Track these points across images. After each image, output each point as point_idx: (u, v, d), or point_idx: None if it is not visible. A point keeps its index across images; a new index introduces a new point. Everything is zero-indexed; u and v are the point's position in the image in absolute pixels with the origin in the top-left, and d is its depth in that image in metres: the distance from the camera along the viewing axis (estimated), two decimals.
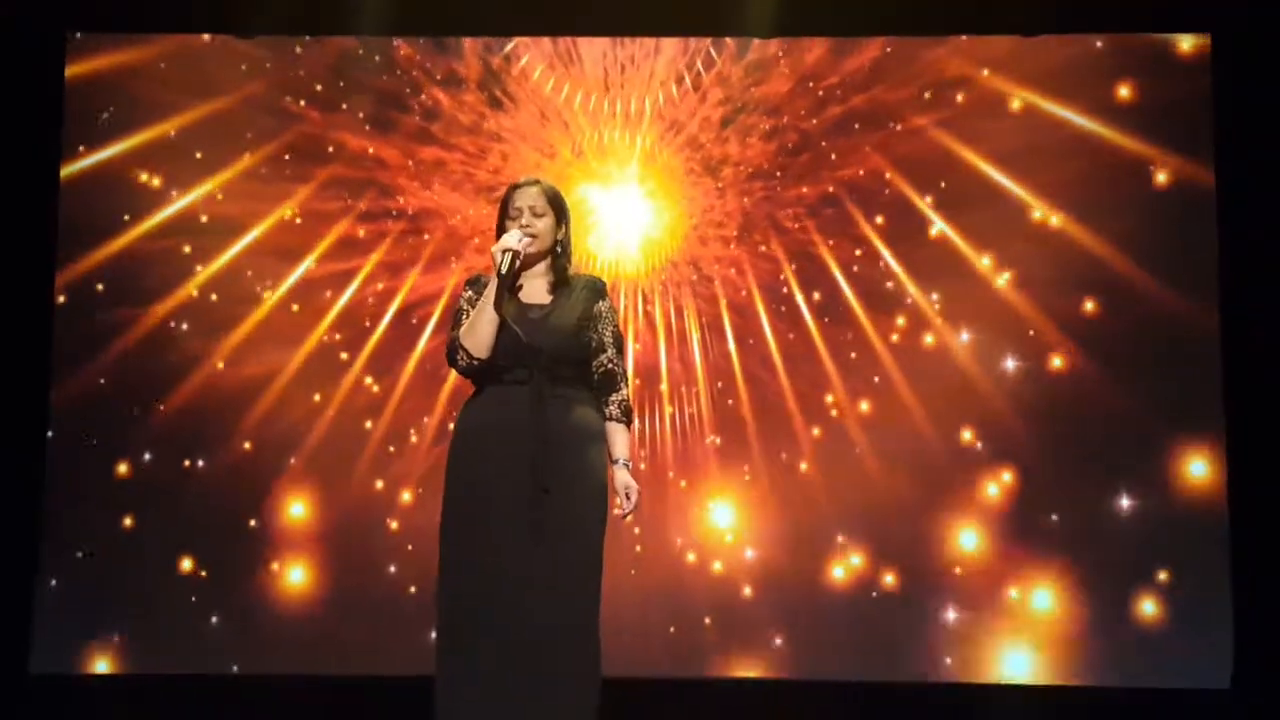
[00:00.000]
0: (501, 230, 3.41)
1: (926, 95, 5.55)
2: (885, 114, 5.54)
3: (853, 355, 5.49)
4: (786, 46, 5.61)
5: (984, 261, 5.48)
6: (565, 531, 3.23)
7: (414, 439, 5.65)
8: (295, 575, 5.59)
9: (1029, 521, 5.34)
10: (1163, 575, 5.25)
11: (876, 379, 5.47)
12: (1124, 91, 5.45)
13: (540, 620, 3.18)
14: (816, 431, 5.49)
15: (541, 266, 3.42)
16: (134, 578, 5.55)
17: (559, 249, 3.42)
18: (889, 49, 5.56)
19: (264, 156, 5.87)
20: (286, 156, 5.87)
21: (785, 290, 5.59)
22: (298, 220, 5.83)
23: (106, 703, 5.47)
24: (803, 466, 5.46)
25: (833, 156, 5.58)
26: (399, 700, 4.65)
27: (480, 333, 3.27)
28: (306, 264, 5.81)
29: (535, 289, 3.41)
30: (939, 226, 5.50)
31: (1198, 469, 5.26)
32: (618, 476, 3.35)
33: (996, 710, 5.20)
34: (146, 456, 5.63)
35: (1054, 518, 5.31)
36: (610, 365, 3.39)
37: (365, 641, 5.41)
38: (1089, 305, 5.39)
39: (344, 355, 5.76)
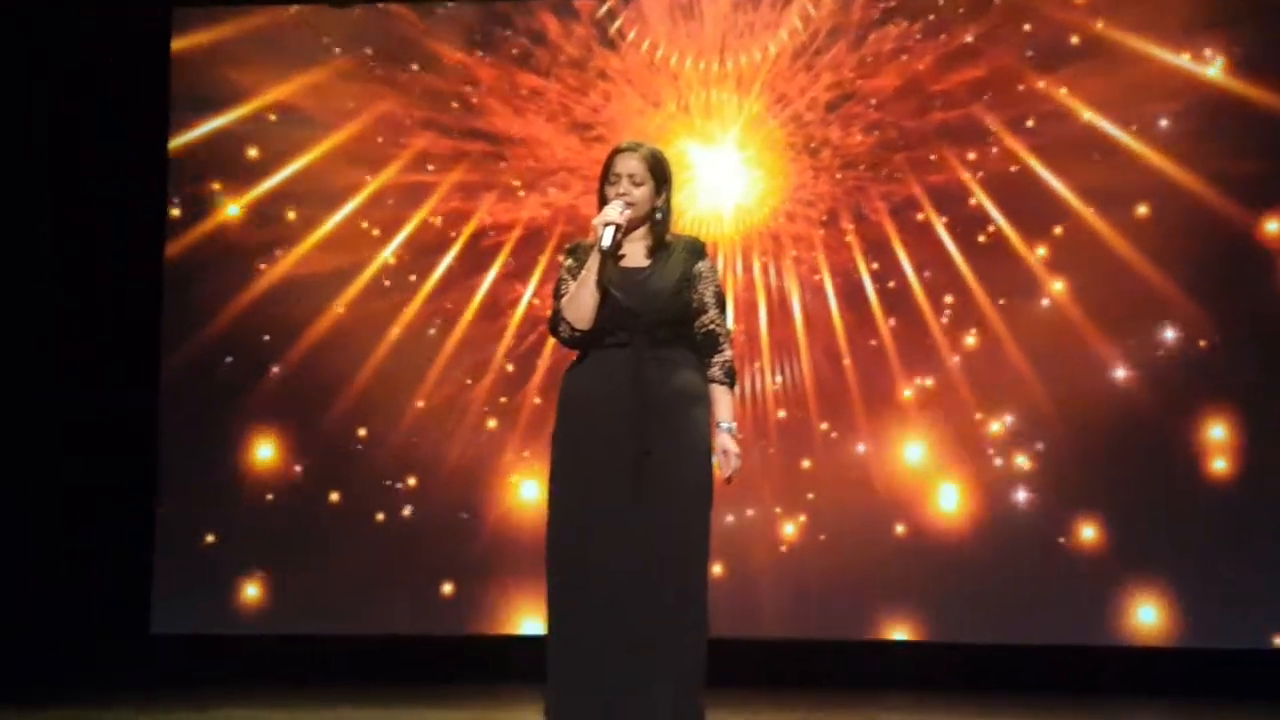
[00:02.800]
0: (602, 193, 3.41)
1: (1029, 123, 5.62)
2: (983, 132, 5.62)
3: (911, 352, 5.59)
4: (901, 46, 5.67)
5: (1056, 286, 5.58)
6: (668, 493, 3.22)
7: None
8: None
9: None
10: None
11: (928, 381, 5.57)
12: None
13: (644, 582, 3.18)
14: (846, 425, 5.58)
15: (640, 231, 3.38)
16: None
17: (658, 214, 3.37)
18: (997, 70, 5.63)
19: (353, 62, 5.94)
20: (370, 54, 5.92)
21: (857, 279, 5.66)
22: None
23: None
24: (860, 448, 5.56)
25: (931, 158, 5.66)
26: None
27: (582, 304, 3.27)
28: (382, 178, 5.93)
29: (634, 253, 3.36)
30: (1015, 244, 5.58)
31: None
32: (719, 440, 3.34)
33: None
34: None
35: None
36: (712, 326, 3.36)
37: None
38: (1157, 340, 5.52)
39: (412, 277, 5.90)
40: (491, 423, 5.81)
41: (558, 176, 5.89)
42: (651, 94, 5.83)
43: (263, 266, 5.96)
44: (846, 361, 5.63)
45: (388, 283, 5.92)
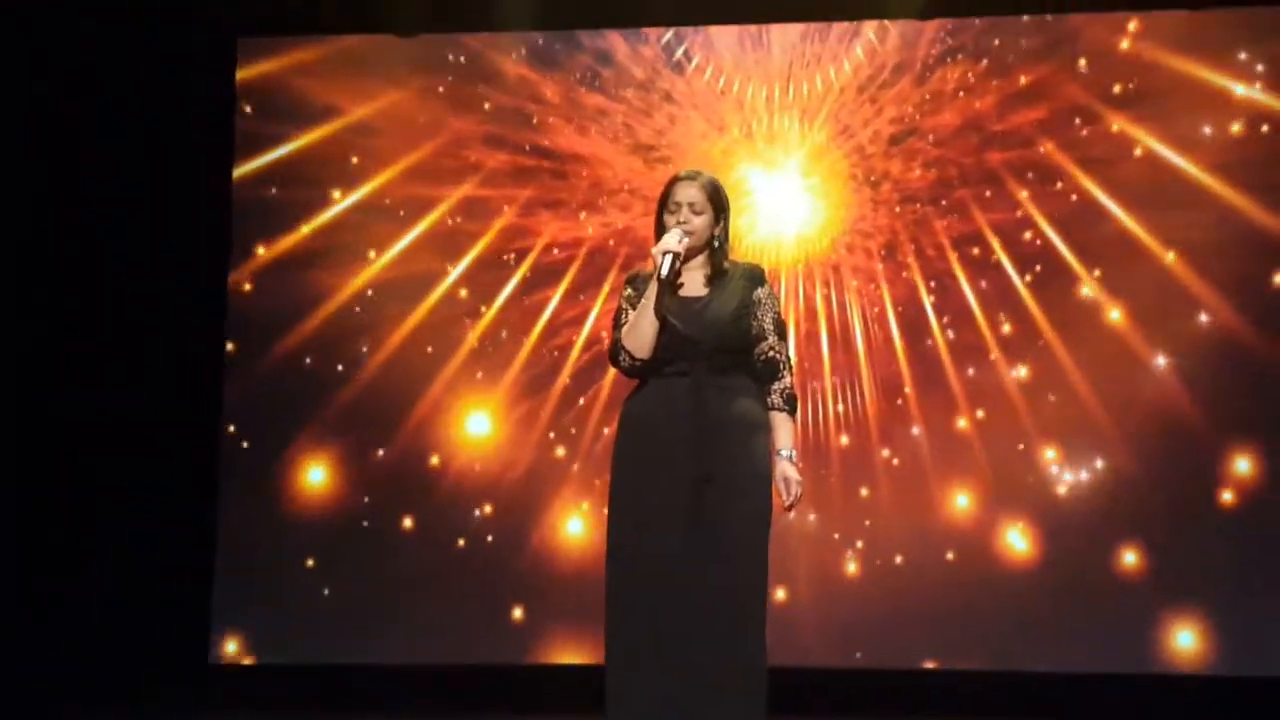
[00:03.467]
0: (660, 220, 3.44)
1: (1088, 157, 5.69)
2: (1046, 171, 5.68)
3: (971, 383, 5.62)
4: (963, 84, 5.74)
5: (1112, 314, 5.59)
6: (728, 520, 3.23)
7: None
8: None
9: None
10: None
11: (981, 413, 5.60)
12: None
13: (703, 610, 3.19)
14: (896, 461, 5.61)
15: (699, 260, 3.40)
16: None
17: (716, 243, 3.41)
18: (1059, 107, 5.69)
19: (420, 86, 6.02)
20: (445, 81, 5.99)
21: (915, 310, 5.70)
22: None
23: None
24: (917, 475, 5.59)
25: (987, 194, 5.72)
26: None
27: (642, 334, 3.30)
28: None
29: (693, 281, 3.39)
30: (1070, 275, 5.62)
31: None
32: (778, 468, 3.34)
33: None
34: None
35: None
36: (772, 353, 3.38)
37: None
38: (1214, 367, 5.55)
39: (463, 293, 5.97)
40: (560, 450, 5.83)
41: (619, 197, 5.92)
42: (716, 119, 5.88)
43: (327, 285, 5.99)
44: (908, 390, 5.67)
45: (449, 304, 5.97)
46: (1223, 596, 5.34)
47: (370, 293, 5.96)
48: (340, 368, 5.93)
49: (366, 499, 5.86)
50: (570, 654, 5.62)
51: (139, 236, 5.97)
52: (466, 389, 5.90)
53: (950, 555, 5.54)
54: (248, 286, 6.01)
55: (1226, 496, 5.42)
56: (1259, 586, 5.32)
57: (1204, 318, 5.52)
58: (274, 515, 5.86)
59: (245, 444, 5.91)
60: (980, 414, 5.60)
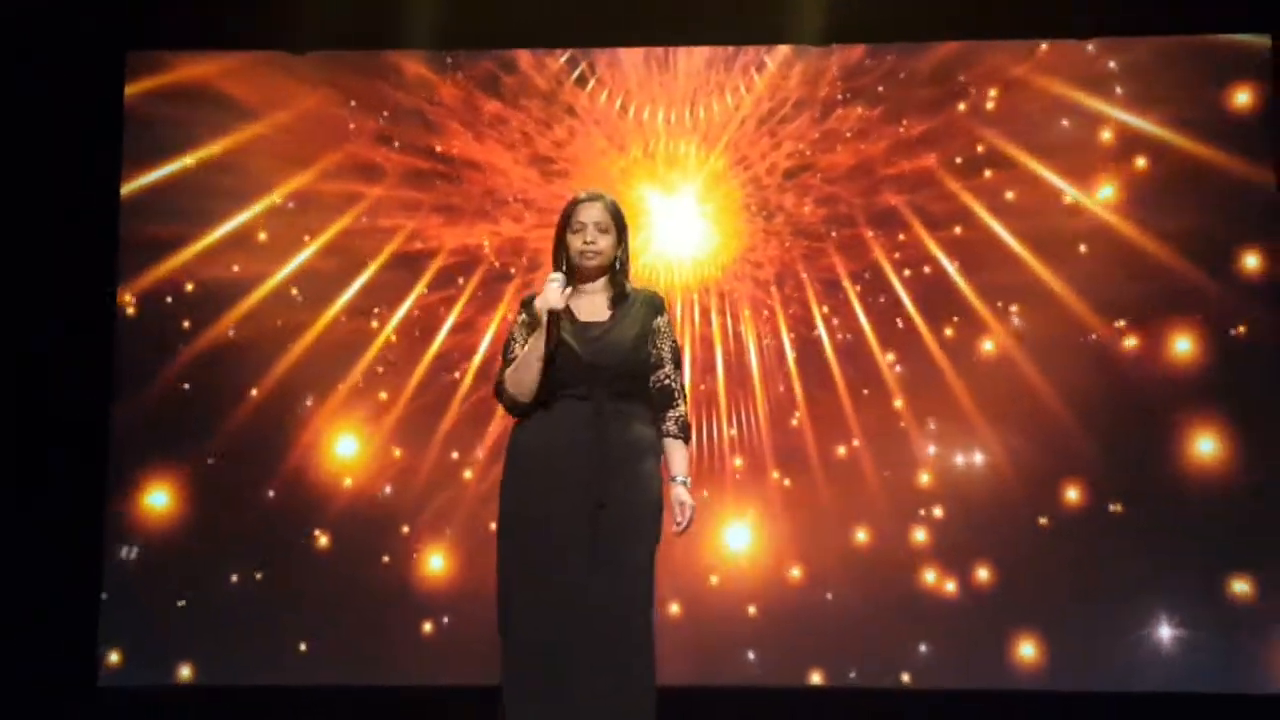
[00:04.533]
0: (561, 240, 3.48)
1: (957, 229, 5.76)
2: (938, 217, 5.80)
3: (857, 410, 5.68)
4: (860, 125, 5.84)
5: (986, 346, 5.65)
6: (621, 546, 3.25)
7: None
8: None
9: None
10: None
11: (854, 442, 5.67)
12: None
13: (597, 635, 3.20)
14: (787, 481, 5.64)
15: (600, 283, 3.44)
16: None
17: (618, 265, 3.46)
18: (951, 151, 5.80)
19: (315, 85, 5.89)
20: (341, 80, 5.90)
21: (797, 340, 5.75)
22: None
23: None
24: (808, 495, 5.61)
25: (870, 235, 5.81)
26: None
27: (525, 381, 3.33)
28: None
29: (594, 305, 3.43)
30: (972, 321, 5.71)
31: None
32: (674, 493, 3.39)
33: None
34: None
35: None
36: (667, 380, 3.42)
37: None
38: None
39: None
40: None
41: (512, 208, 5.84)
42: (617, 137, 5.86)
43: (220, 301, 5.81)
44: (799, 415, 5.70)
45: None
46: (1058, 611, 5.46)
47: (265, 307, 5.79)
48: (232, 387, 5.75)
49: (260, 520, 5.68)
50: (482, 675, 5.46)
51: (21, 254, 5.67)
52: (361, 404, 5.76)
53: (840, 575, 5.57)
54: (133, 308, 5.78)
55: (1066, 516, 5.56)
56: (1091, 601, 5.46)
57: (1105, 348, 5.59)
58: (156, 544, 5.67)
59: (133, 464, 5.70)
60: (864, 440, 5.64)
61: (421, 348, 5.77)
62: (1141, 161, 5.66)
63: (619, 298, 3.43)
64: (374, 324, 5.78)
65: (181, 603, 5.61)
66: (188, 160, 5.83)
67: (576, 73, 5.87)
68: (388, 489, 5.69)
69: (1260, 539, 5.41)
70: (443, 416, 5.74)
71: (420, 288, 5.81)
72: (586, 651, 3.18)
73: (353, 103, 5.86)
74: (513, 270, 5.80)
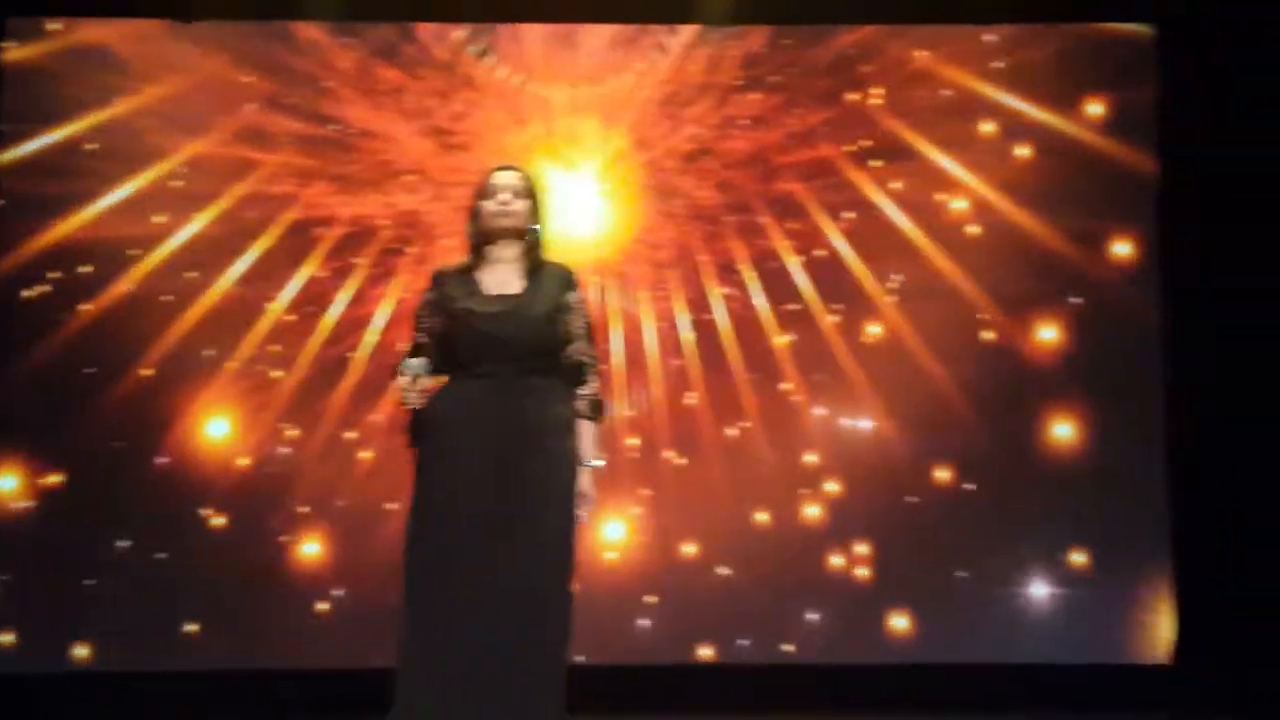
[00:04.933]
0: (476, 208, 3.47)
1: (847, 214, 5.87)
2: (832, 204, 5.87)
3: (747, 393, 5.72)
4: (758, 113, 5.88)
5: (871, 330, 5.73)
6: (533, 525, 3.22)
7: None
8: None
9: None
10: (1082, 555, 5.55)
11: (746, 422, 5.70)
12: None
13: (506, 616, 3.14)
14: (683, 460, 5.66)
15: (513, 252, 3.41)
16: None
17: (532, 236, 3.44)
18: (849, 148, 5.87)
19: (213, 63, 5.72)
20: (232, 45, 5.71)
21: (684, 325, 5.76)
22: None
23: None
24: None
25: (766, 220, 5.83)
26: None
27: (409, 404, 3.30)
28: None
29: (505, 276, 3.39)
30: (821, 321, 5.81)
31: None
32: (579, 478, 3.34)
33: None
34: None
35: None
36: (580, 356, 3.38)
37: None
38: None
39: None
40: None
41: (407, 179, 5.74)
42: (518, 112, 5.79)
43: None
44: (694, 396, 5.70)
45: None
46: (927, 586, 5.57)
47: (153, 278, 5.61)
48: (119, 361, 5.55)
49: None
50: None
51: None
52: (251, 379, 5.61)
53: (731, 553, 5.59)
54: (15, 278, 5.56)
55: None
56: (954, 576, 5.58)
57: (987, 335, 5.69)
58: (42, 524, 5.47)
59: (18, 440, 5.49)
60: (756, 420, 5.67)
61: (313, 322, 5.64)
62: (1028, 150, 5.77)
63: (531, 271, 3.38)
64: (264, 296, 5.63)
65: (77, 581, 5.42)
66: (72, 128, 5.63)
67: (476, 45, 5.79)
68: (279, 466, 5.55)
69: (1099, 516, 5.59)
70: (334, 393, 5.62)
71: (312, 260, 5.67)
72: (491, 632, 3.11)
73: (244, 67, 5.70)
74: (407, 243, 5.71)
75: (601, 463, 3.39)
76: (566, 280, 3.43)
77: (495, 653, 3.12)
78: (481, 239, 3.40)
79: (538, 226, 3.45)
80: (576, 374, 3.36)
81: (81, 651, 5.41)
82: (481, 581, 3.14)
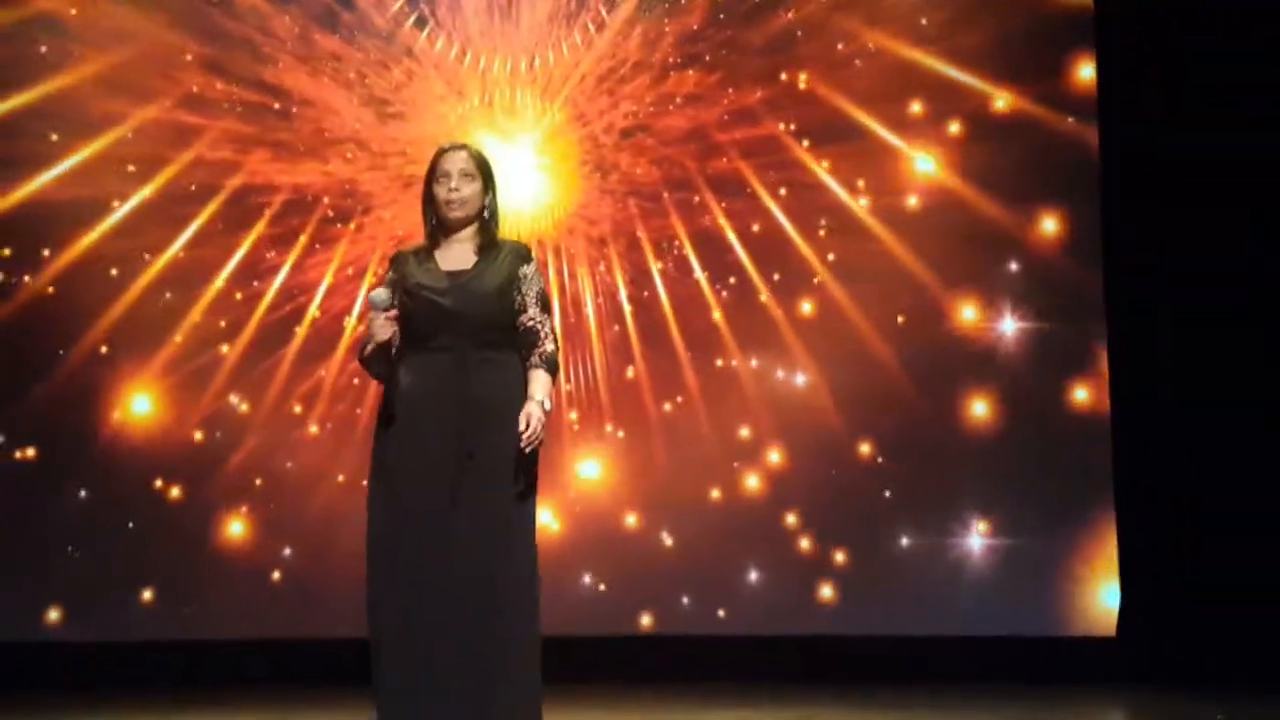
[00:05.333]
0: (429, 191, 3.44)
1: (783, 190, 5.92)
2: (769, 180, 5.92)
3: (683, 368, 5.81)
4: (694, 91, 5.94)
5: (804, 308, 5.82)
6: (491, 497, 3.24)
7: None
8: None
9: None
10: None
11: (679, 398, 5.80)
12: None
13: (469, 585, 3.18)
14: (621, 434, 5.75)
15: (468, 231, 3.40)
16: None
17: (486, 213, 3.42)
18: (785, 125, 5.94)
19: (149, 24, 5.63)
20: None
21: (623, 300, 5.83)
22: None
23: None
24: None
25: (696, 200, 5.88)
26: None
27: (374, 374, 3.35)
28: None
29: (461, 254, 3.39)
30: (762, 297, 5.92)
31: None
32: (526, 406, 3.29)
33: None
34: None
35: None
36: (533, 323, 3.38)
37: None
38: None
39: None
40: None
41: (344, 147, 5.71)
42: (456, 83, 5.79)
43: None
44: (631, 371, 5.78)
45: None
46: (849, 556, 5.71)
47: (92, 249, 5.57)
48: (59, 337, 5.54)
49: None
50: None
51: None
52: (192, 354, 5.61)
53: (671, 522, 5.70)
54: None
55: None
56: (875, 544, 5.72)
57: (923, 308, 5.77)
58: None
59: None
60: (694, 395, 5.76)
61: (255, 292, 5.61)
62: (964, 125, 5.82)
63: (486, 246, 3.40)
64: (208, 266, 5.60)
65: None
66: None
67: (418, 13, 5.77)
68: (217, 435, 5.57)
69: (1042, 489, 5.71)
70: (279, 366, 5.59)
71: (253, 230, 5.63)
72: (461, 605, 3.14)
73: (180, 30, 5.61)
74: (345, 213, 5.70)
75: (549, 405, 3.36)
76: (521, 254, 3.42)
77: (463, 627, 3.14)
78: (435, 223, 3.40)
79: (489, 204, 3.44)
80: (530, 338, 3.36)
81: (50, 616, 5.41)
82: (443, 557, 3.16)
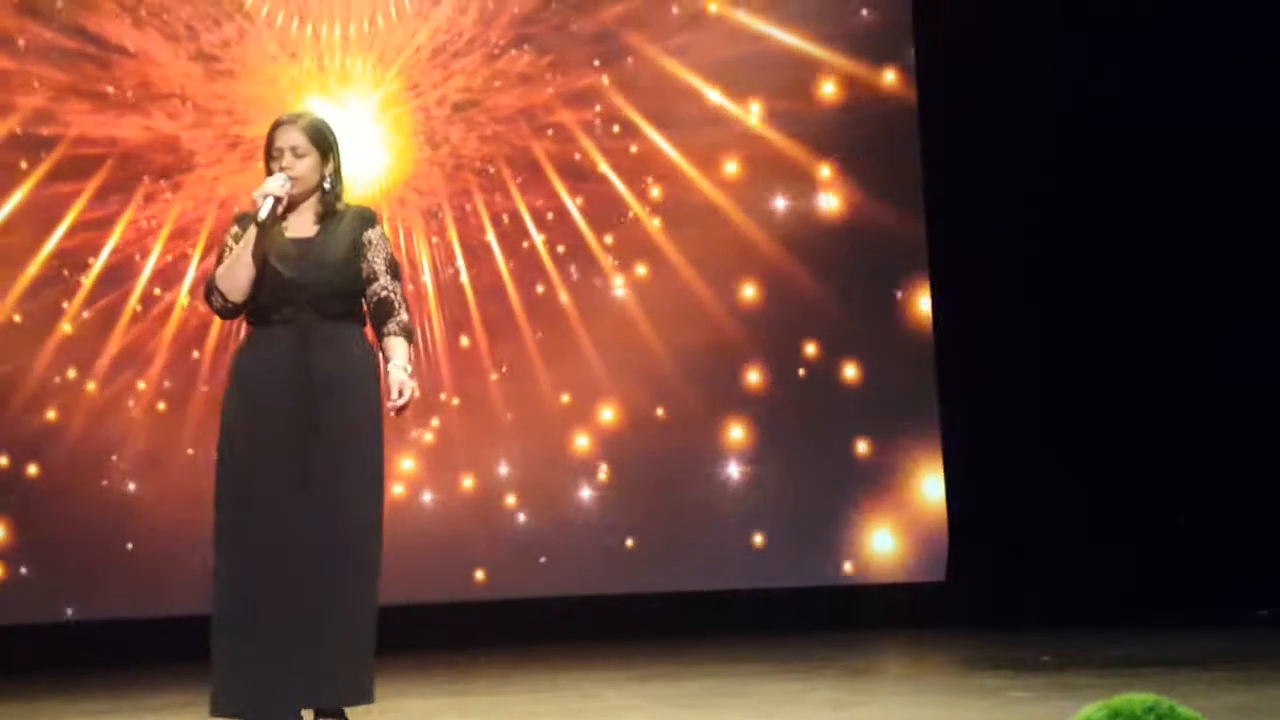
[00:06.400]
0: (267, 170, 3.27)
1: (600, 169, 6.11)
2: (594, 162, 6.05)
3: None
4: (527, 71, 6.03)
5: (618, 292, 5.94)
6: (338, 471, 3.17)
7: None
8: None
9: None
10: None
11: (504, 368, 5.87)
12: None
13: (315, 563, 3.10)
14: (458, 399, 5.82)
15: (309, 202, 3.28)
16: None
17: (326, 184, 3.28)
18: (609, 105, 6.06)
19: None
20: None
21: (453, 276, 5.88)
22: None
23: None
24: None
25: (519, 179, 5.98)
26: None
27: (236, 278, 3.18)
28: None
29: (302, 222, 3.26)
30: (606, 269, 6.06)
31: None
32: (392, 375, 3.21)
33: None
34: None
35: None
36: (385, 293, 3.25)
37: None
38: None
39: None
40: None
41: (169, 103, 5.54)
42: (289, 44, 5.70)
43: None
44: (465, 340, 5.80)
45: None
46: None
47: None
48: None
49: None
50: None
51: None
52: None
53: (512, 488, 5.75)
54: None
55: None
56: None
57: (754, 271, 5.98)
58: None
59: None
60: (526, 362, 5.84)
61: (82, 258, 5.41)
62: (760, 122, 6.00)
63: (328, 214, 3.25)
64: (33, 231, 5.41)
65: None
66: None
67: None
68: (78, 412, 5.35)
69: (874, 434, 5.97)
70: (55, 323, 5.39)
71: (67, 182, 5.41)
72: (306, 582, 3.06)
73: None
74: (167, 170, 5.54)
75: (410, 368, 3.35)
76: (367, 219, 3.30)
77: (305, 603, 3.07)
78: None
79: (328, 174, 3.27)
80: (383, 309, 3.24)
81: None
82: (288, 533, 3.08)
